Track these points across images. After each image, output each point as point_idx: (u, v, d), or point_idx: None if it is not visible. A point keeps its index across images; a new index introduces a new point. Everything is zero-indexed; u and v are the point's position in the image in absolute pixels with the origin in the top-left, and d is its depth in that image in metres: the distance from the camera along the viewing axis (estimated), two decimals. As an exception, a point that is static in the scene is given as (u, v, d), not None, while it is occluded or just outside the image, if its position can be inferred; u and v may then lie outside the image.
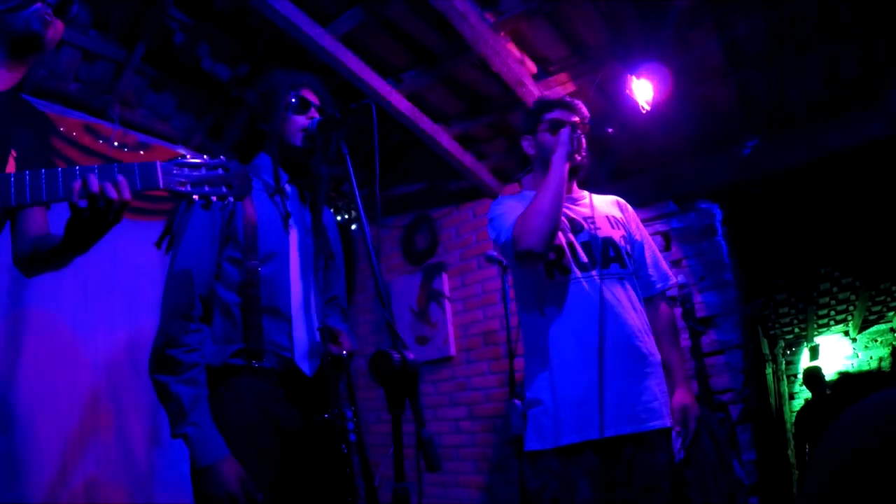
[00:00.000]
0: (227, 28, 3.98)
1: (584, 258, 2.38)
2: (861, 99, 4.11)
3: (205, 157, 1.63)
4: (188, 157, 1.63)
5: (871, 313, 10.73)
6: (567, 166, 2.37)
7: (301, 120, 2.16)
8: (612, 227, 2.49)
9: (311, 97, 2.21)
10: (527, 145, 2.63)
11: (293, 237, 2.13)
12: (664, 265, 2.66)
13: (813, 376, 7.40)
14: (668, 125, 4.33)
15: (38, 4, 1.84)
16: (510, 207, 2.45)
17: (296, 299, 2.06)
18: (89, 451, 3.79)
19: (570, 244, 2.39)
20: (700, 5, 3.45)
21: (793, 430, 8.31)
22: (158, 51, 4.02)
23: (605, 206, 2.61)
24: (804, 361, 12.00)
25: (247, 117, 2.29)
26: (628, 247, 2.52)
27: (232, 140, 4.56)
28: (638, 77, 3.69)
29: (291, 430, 1.93)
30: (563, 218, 2.42)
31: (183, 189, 1.59)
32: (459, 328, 5.22)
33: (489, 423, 4.89)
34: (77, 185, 1.52)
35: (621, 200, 2.70)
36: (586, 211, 2.51)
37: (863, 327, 11.35)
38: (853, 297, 9.65)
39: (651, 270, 2.60)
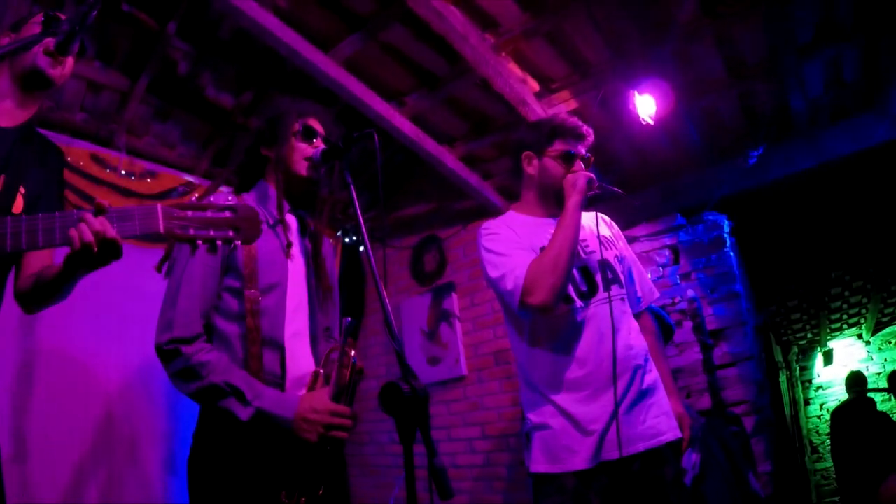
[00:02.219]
0: (230, 56, 4.00)
1: (584, 286, 2.36)
2: (864, 103, 4.11)
3: (211, 199, 1.61)
4: (194, 198, 1.60)
5: (884, 315, 10.66)
6: (580, 215, 2.31)
7: (306, 148, 2.17)
8: (606, 248, 2.46)
9: (317, 126, 2.23)
10: (527, 164, 2.55)
11: (293, 267, 2.14)
12: (648, 280, 2.67)
13: (857, 379, 7.26)
14: (672, 139, 4.35)
15: (47, 40, 1.87)
16: (507, 242, 2.39)
17: (290, 328, 2.06)
18: (104, 478, 3.79)
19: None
20: (699, 19, 3.45)
21: (828, 429, 8.23)
22: (163, 80, 4.05)
23: (592, 225, 2.56)
24: (818, 367, 11.93)
25: (251, 142, 2.30)
26: (621, 266, 2.51)
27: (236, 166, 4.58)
28: (640, 92, 3.69)
29: (283, 460, 1.92)
30: None
31: (185, 233, 1.56)
32: (470, 348, 5.21)
33: (503, 443, 4.87)
34: (74, 233, 1.51)
35: (605, 217, 2.65)
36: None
37: (876, 330, 11.27)
38: (865, 300, 9.59)
39: (637, 287, 2.59)
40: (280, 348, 2.02)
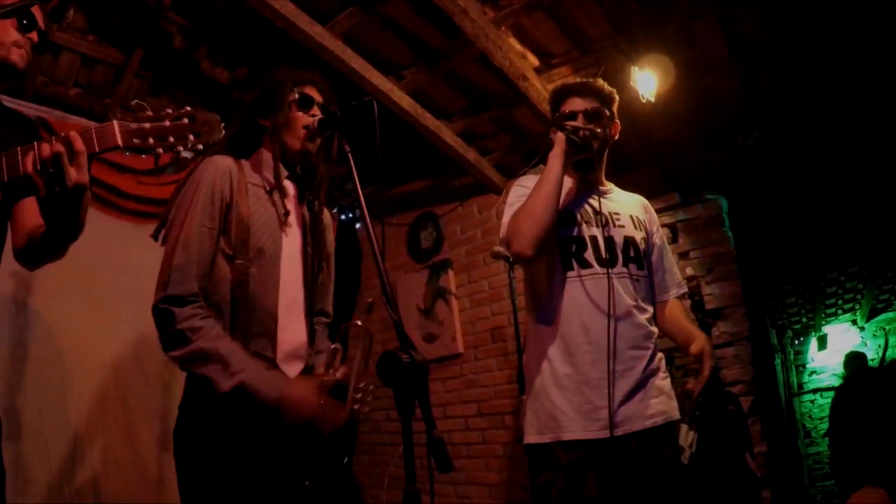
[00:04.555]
0: (226, 30, 3.96)
1: (605, 254, 2.34)
2: (867, 86, 4.07)
3: (168, 110, 1.59)
4: (148, 111, 1.59)
5: (879, 301, 10.67)
6: (559, 164, 2.28)
7: (303, 117, 2.13)
8: (635, 228, 2.46)
9: (315, 94, 2.18)
10: (554, 138, 2.47)
11: (289, 236, 2.11)
12: (678, 273, 2.65)
13: (856, 361, 7.16)
14: (672, 117, 4.31)
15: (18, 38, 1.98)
16: (520, 194, 2.40)
17: (284, 299, 2.03)
18: (98, 456, 3.78)
19: (593, 238, 2.36)
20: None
21: (821, 413, 8.20)
22: (157, 54, 4.01)
23: (630, 204, 2.57)
24: (812, 351, 11.96)
25: (248, 111, 2.26)
26: (648, 249, 2.50)
27: (234, 141, 4.55)
28: (641, 69, 3.66)
29: (272, 433, 1.87)
30: (589, 209, 2.41)
31: (145, 143, 1.55)
32: (466, 325, 5.21)
33: (498, 420, 4.87)
34: (31, 155, 1.52)
35: (646, 202, 2.66)
36: (613, 206, 2.47)
37: (870, 316, 11.28)
38: (860, 286, 9.59)
39: (667, 276, 2.58)
40: (272, 319, 1.99)
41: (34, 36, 2.04)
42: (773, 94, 4.21)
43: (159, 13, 3.69)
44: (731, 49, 3.82)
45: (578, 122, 2.39)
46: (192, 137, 1.59)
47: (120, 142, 1.54)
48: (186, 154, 1.65)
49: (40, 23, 2.07)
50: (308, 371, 2.06)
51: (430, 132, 4.35)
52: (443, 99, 4.39)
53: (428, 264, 5.52)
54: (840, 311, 11.08)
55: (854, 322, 11.65)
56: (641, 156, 4.69)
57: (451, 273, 5.32)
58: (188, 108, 1.61)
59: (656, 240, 2.58)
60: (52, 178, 1.52)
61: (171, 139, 1.57)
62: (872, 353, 11.42)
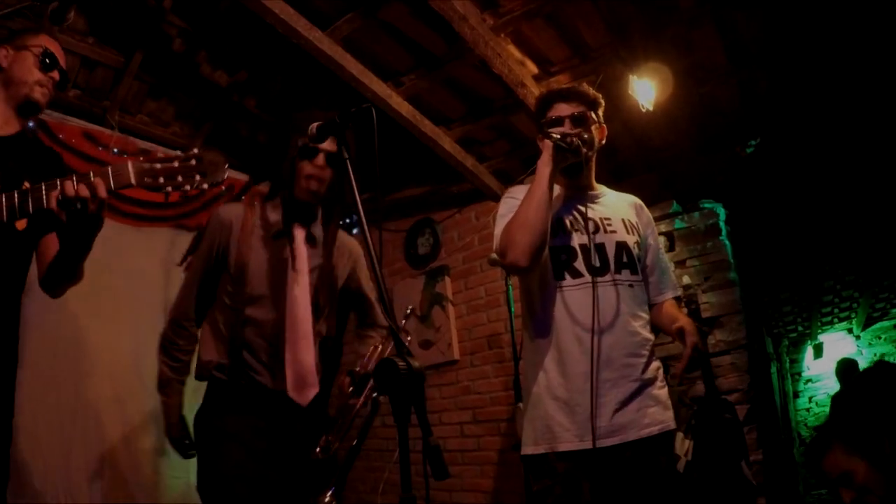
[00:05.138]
0: (225, 34, 3.96)
1: (597, 262, 2.31)
2: (866, 94, 4.08)
3: (178, 151, 1.73)
4: (160, 153, 1.72)
5: (875, 310, 10.67)
6: (548, 171, 2.24)
7: (307, 167, 2.30)
8: (628, 232, 2.41)
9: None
10: (541, 146, 2.42)
11: (292, 277, 2.30)
12: (672, 273, 2.63)
13: (849, 368, 7.20)
14: (670, 125, 4.31)
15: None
16: (511, 205, 2.38)
17: (292, 333, 2.26)
18: (94, 460, 3.77)
19: (583, 246, 2.33)
20: (701, 4, 3.42)
21: (816, 422, 8.20)
22: (157, 57, 4.02)
23: (622, 207, 2.52)
24: (808, 360, 11.95)
25: (270, 163, 2.54)
26: (641, 252, 2.46)
27: (232, 145, 4.56)
28: (640, 77, 3.66)
29: (265, 445, 2.23)
30: (578, 217, 2.39)
31: (156, 182, 1.72)
32: (463, 332, 5.20)
33: (494, 427, 4.87)
34: (55, 192, 1.68)
35: (638, 202, 2.61)
36: (603, 211, 2.43)
37: (866, 324, 11.28)
38: (857, 295, 9.60)
39: (661, 278, 2.54)
40: (277, 352, 2.25)
41: (55, 75, 2.23)
42: (772, 101, 4.21)
43: (159, 16, 3.71)
44: (729, 56, 3.82)
45: (565, 128, 2.37)
46: (198, 177, 1.76)
47: (134, 181, 1.71)
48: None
49: (62, 63, 2.27)
50: (321, 396, 2.34)
51: (429, 138, 4.35)
52: (441, 105, 4.39)
53: (425, 270, 5.52)
54: (836, 320, 11.09)
55: (850, 331, 11.65)
56: (639, 163, 4.70)
57: (447, 279, 5.31)
58: (196, 150, 1.78)
59: (650, 241, 2.54)
60: (74, 213, 1.71)
61: (180, 178, 1.73)
62: (867, 362, 11.42)
